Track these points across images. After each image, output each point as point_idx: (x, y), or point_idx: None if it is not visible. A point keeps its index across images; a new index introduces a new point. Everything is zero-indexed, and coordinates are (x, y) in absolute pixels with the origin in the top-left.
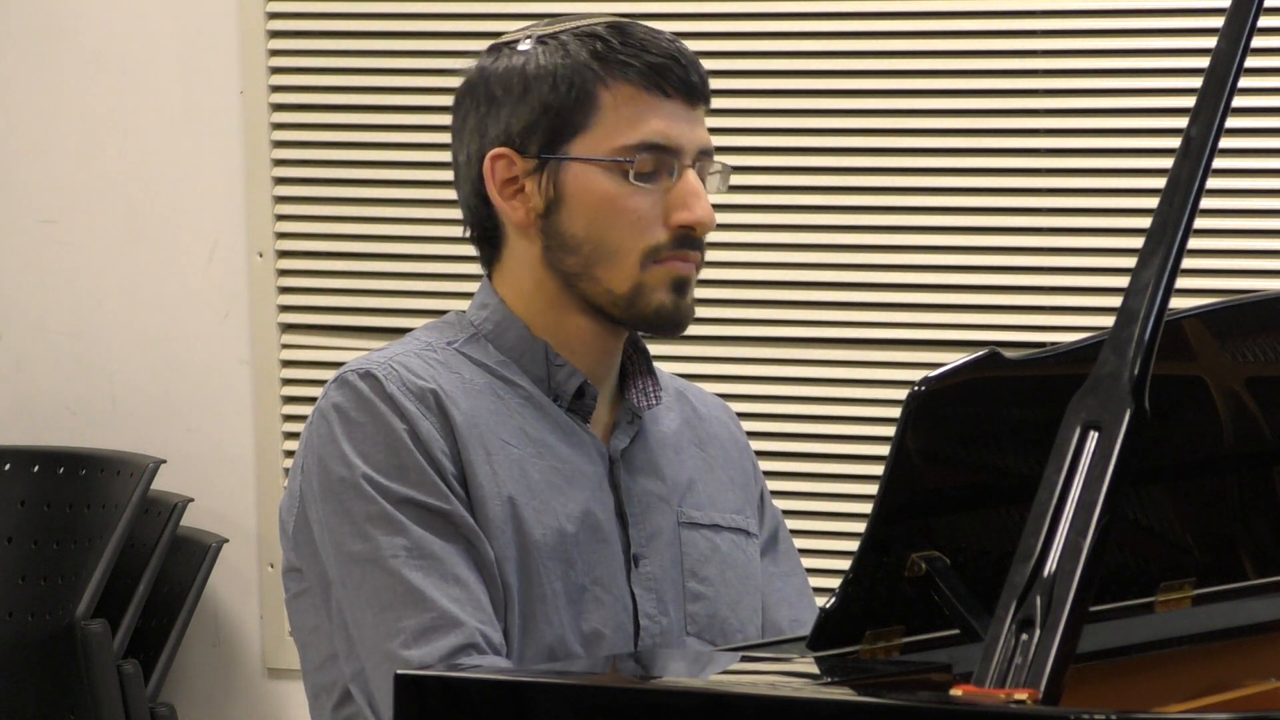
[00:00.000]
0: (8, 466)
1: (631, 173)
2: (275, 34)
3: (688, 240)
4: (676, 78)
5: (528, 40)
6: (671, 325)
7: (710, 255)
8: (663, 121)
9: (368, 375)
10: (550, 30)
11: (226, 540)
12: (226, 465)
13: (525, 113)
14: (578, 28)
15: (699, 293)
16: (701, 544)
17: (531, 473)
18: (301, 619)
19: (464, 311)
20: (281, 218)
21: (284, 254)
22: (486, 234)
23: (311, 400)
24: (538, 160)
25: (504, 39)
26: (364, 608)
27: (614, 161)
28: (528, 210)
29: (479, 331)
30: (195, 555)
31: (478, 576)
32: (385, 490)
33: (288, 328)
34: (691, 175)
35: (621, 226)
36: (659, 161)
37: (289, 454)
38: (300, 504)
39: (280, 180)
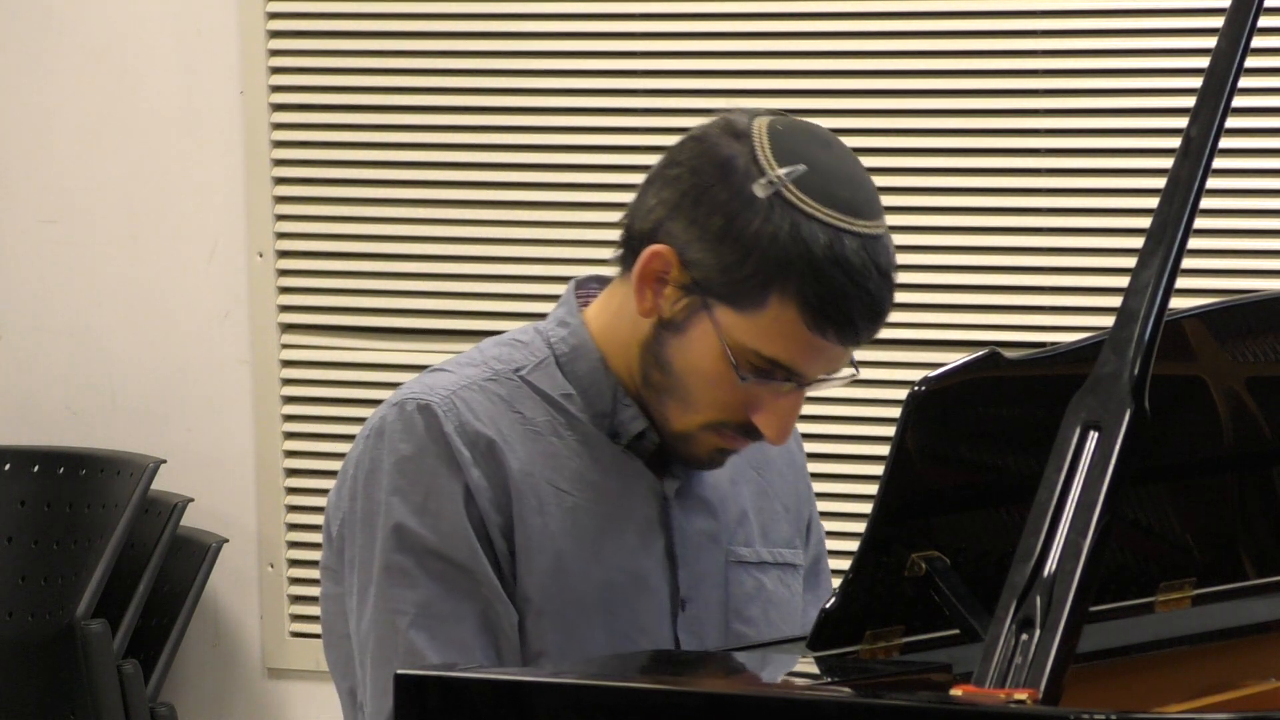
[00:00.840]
0: (8, 466)
1: (747, 376)
2: (275, 34)
3: (754, 433)
4: (848, 334)
5: (773, 180)
6: (695, 469)
7: None
8: (805, 355)
9: (426, 409)
10: (795, 193)
11: (226, 540)
12: (226, 465)
13: (710, 249)
14: (822, 213)
15: None
16: (748, 583)
17: (584, 520)
18: (331, 621)
19: (543, 321)
20: (281, 218)
21: (284, 254)
22: (625, 260)
23: (311, 400)
24: (689, 285)
25: (765, 142)
26: (367, 655)
27: (736, 357)
28: (654, 307)
29: (553, 353)
30: (195, 555)
31: (486, 640)
32: (413, 540)
33: (288, 328)
34: (797, 398)
35: (708, 397)
36: (777, 371)
37: (289, 454)
38: (343, 514)
39: (280, 180)
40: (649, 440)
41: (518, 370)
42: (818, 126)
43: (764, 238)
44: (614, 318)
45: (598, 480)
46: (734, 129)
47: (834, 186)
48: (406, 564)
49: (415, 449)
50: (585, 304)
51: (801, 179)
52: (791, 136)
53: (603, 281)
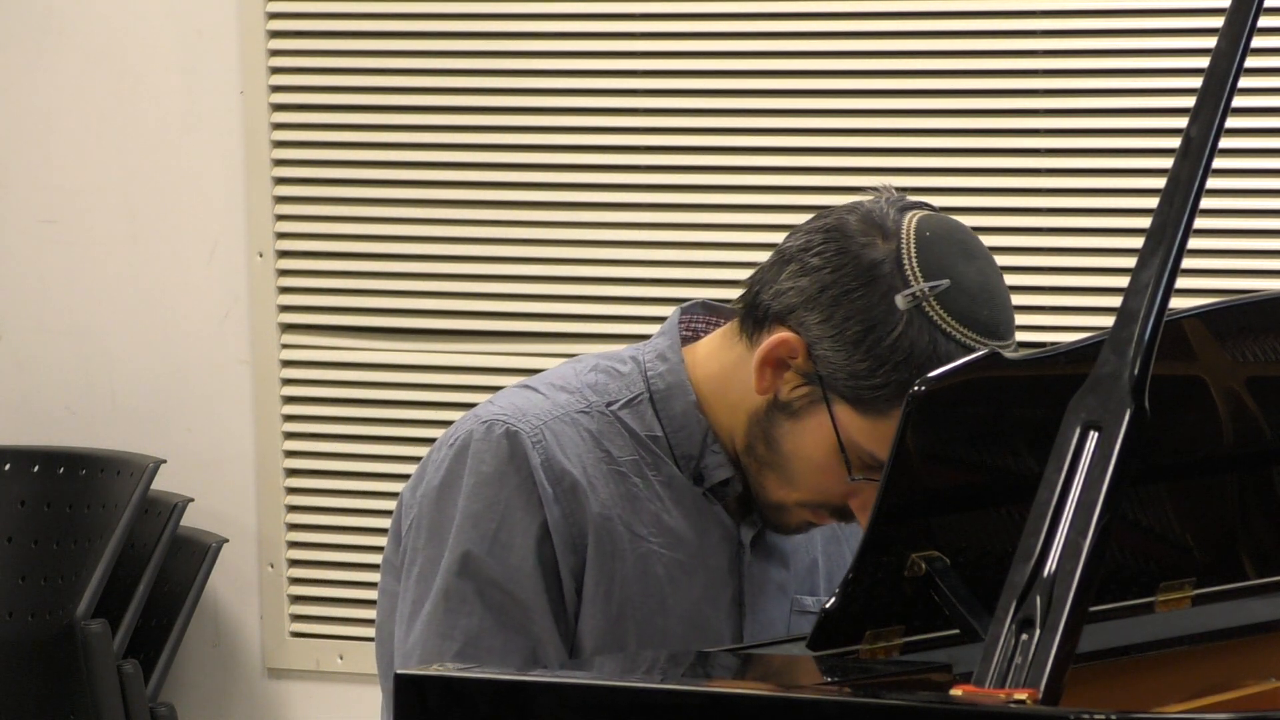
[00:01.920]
0: (8, 466)
1: (858, 476)
2: (275, 34)
3: (847, 515)
4: None
5: (916, 294)
6: (778, 533)
7: (709, 255)
8: None
9: (515, 436)
10: (936, 310)
11: (226, 540)
12: (226, 465)
13: (842, 351)
14: (960, 333)
15: (693, 291)
16: (808, 630)
17: (655, 567)
18: (385, 618)
19: (644, 345)
20: (281, 218)
21: (284, 254)
22: (745, 322)
23: (311, 400)
24: (813, 375)
25: (912, 249)
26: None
27: (849, 456)
28: (771, 385)
29: (648, 389)
30: (195, 555)
31: None
32: (477, 568)
33: (288, 328)
34: None
35: (811, 481)
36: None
37: (289, 454)
38: (413, 517)
39: (280, 180)
40: (732, 488)
41: (610, 404)
42: (964, 231)
43: (899, 351)
44: (724, 373)
45: (675, 526)
46: (881, 227)
47: (974, 304)
48: (466, 591)
49: (496, 474)
50: (688, 337)
51: (944, 294)
52: (939, 245)
53: (709, 310)
